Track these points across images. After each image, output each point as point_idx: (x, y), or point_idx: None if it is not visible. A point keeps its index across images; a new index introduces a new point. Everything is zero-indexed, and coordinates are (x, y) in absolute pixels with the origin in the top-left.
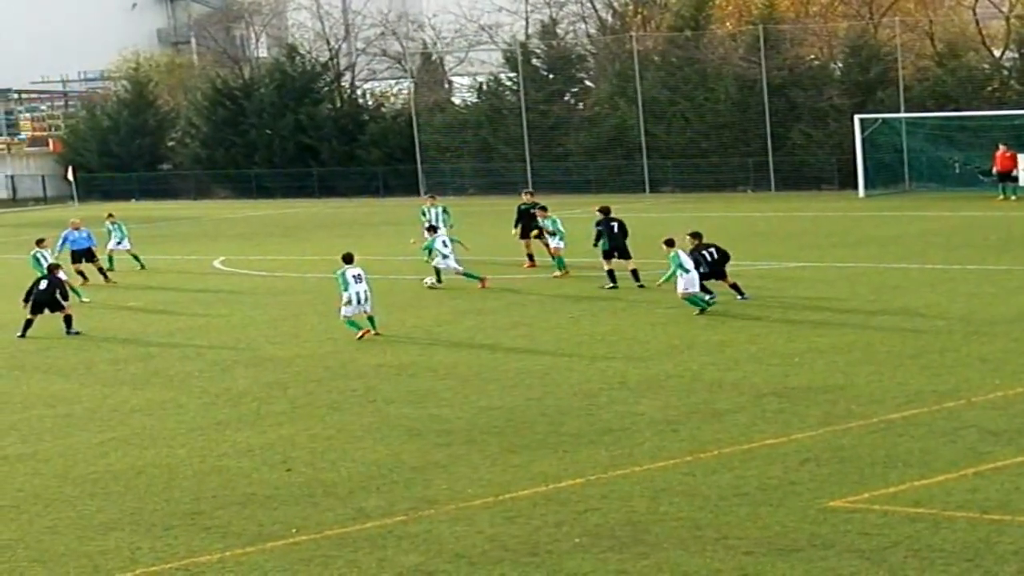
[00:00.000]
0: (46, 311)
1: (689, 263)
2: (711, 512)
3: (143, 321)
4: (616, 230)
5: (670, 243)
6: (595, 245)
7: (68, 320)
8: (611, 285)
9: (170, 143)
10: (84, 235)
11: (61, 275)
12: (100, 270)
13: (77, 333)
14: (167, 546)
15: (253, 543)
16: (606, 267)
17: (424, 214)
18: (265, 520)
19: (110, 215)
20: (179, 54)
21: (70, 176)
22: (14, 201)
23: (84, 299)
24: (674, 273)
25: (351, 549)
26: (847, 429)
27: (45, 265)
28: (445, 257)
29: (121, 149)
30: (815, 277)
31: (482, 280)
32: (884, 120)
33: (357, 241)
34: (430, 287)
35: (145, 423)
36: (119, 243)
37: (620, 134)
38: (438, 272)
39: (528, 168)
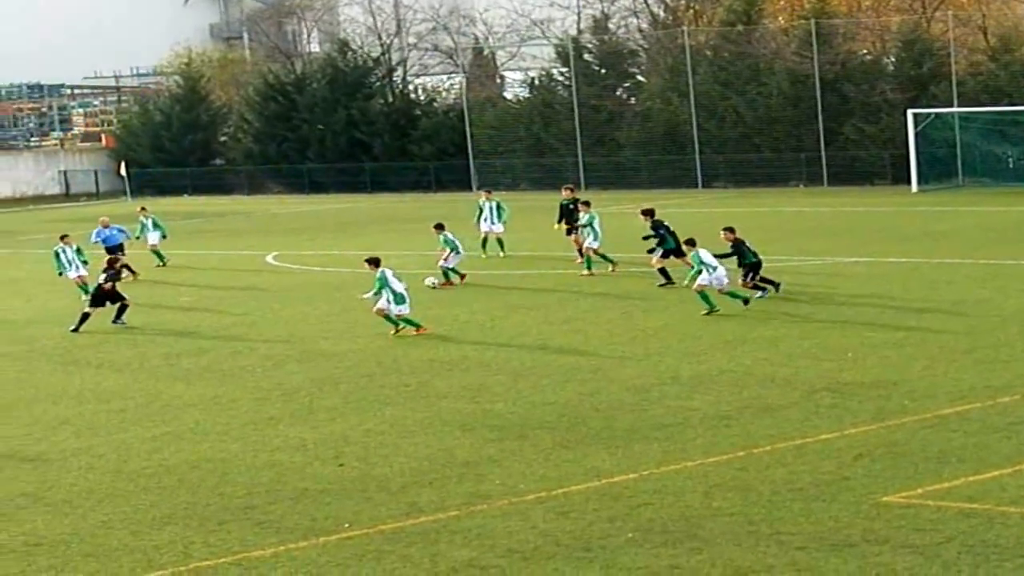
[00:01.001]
0: (107, 304)
1: (714, 261)
2: (764, 507)
3: (196, 316)
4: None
5: (691, 243)
6: (651, 252)
7: (123, 310)
8: (666, 282)
9: (222, 138)
10: (115, 231)
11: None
12: (127, 267)
13: (124, 324)
14: (220, 540)
15: (306, 537)
16: (658, 265)
17: (480, 209)
18: (318, 515)
19: (142, 208)
20: (231, 49)
21: (123, 171)
22: (67, 196)
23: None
24: (698, 271)
25: (404, 544)
26: (900, 424)
27: (65, 260)
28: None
29: (173, 144)
30: (868, 272)
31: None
32: (937, 115)
33: (408, 237)
34: (432, 287)
35: (198, 418)
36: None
37: (672, 129)
38: (446, 273)
39: (580, 163)
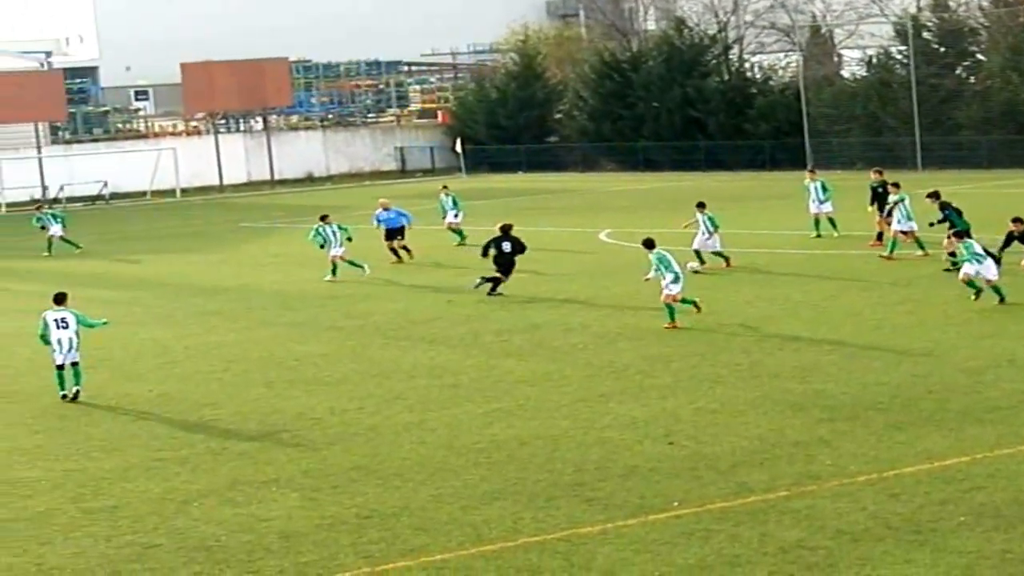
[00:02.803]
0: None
1: (982, 252)
2: None
3: (529, 293)
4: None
5: (960, 235)
6: (952, 227)
7: (498, 282)
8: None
9: (557, 116)
10: (393, 214)
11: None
12: (405, 248)
13: (500, 294)
14: (549, 516)
15: (635, 515)
16: (950, 248)
17: (808, 191)
18: (647, 492)
19: (444, 187)
20: (567, 27)
21: (458, 148)
22: (402, 173)
23: (366, 271)
24: (966, 260)
25: (732, 523)
26: None
27: (327, 238)
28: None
29: (509, 121)
30: None
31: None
32: None
33: (743, 215)
34: (694, 272)
35: (529, 394)
36: (455, 216)
37: (1012, 108)
38: (699, 254)
39: (917, 143)
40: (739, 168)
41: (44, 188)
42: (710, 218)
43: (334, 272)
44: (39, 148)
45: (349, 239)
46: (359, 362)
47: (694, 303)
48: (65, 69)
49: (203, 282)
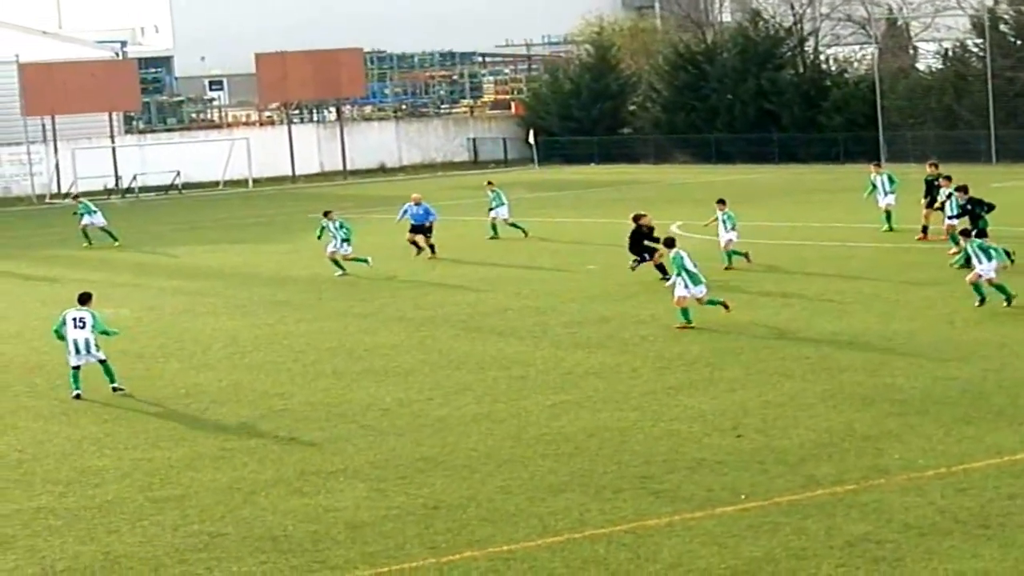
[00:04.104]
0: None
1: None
2: None
3: (599, 285)
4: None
5: (965, 233)
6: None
7: (661, 267)
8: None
9: (631, 107)
10: (422, 210)
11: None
12: (431, 247)
13: (666, 279)
14: (615, 509)
15: (702, 508)
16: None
17: (873, 184)
18: (714, 485)
19: (489, 183)
20: (642, 19)
21: (531, 139)
22: (475, 163)
23: (369, 263)
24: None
25: (800, 516)
26: None
27: (330, 234)
28: None
29: (582, 113)
30: None
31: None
32: None
33: (816, 208)
34: None
35: (598, 386)
36: (499, 209)
37: None
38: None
39: (992, 136)
40: (812, 161)
41: (117, 178)
42: (729, 216)
43: (338, 265)
44: (113, 138)
45: (347, 240)
46: (428, 353)
47: (722, 303)
48: (140, 59)
49: (273, 272)
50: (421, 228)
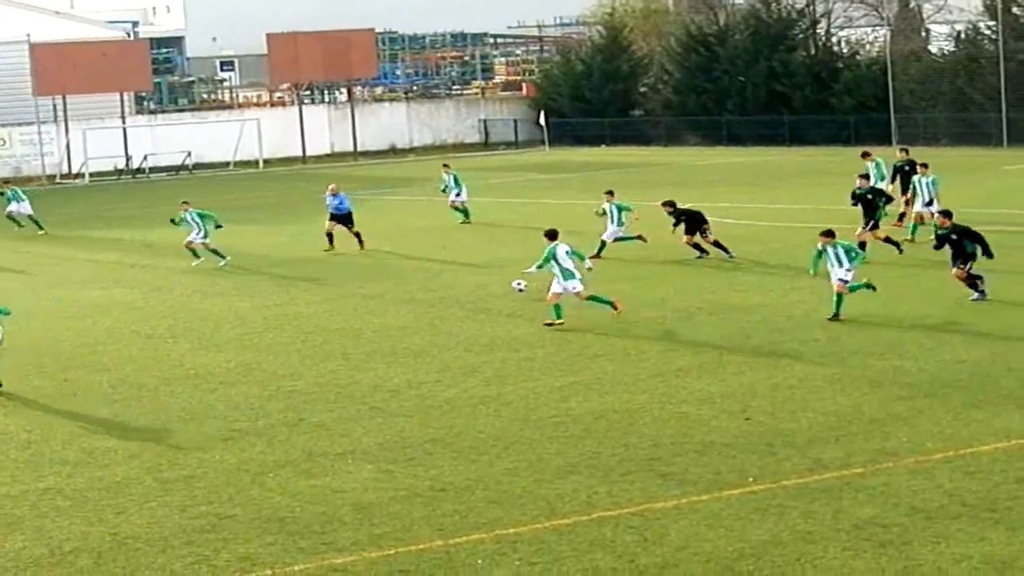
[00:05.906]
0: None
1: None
2: None
3: (608, 267)
4: None
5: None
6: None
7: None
8: None
9: (642, 89)
10: (338, 200)
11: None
12: (357, 235)
13: (730, 256)
14: (623, 491)
15: (709, 490)
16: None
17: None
18: (722, 468)
19: (445, 165)
20: (654, 0)
21: (542, 121)
22: (485, 145)
23: (225, 262)
24: None
25: (807, 499)
26: None
27: (190, 225)
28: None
29: (593, 95)
30: None
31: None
32: None
33: (826, 190)
34: None
35: (606, 368)
36: (457, 195)
37: None
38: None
39: (1003, 120)
40: (823, 143)
41: (128, 158)
42: (618, 207)
43: (195, 254)
44: (124, 118)
45: (219, 226)
46: (437, 335)
47: (611, 303)
48: (151, 39)
49: (283, 253)
50: (341, 217)
